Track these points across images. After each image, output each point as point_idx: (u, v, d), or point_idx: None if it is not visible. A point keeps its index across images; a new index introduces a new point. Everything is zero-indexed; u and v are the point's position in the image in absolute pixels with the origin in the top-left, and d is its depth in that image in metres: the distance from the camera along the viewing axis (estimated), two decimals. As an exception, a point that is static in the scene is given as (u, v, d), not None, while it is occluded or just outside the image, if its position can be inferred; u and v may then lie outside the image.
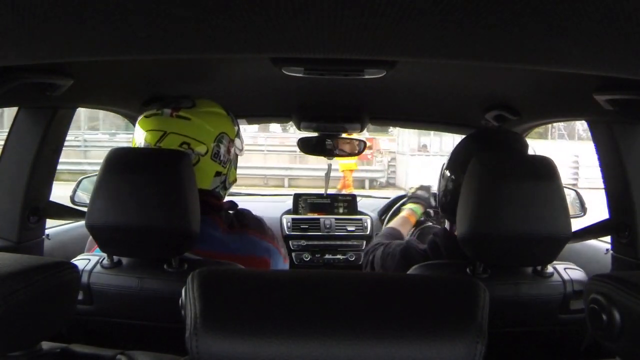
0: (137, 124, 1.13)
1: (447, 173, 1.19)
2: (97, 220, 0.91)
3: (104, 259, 1.00)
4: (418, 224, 1.81)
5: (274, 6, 0.46)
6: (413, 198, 1.86)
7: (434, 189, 1.83)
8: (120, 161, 0.93)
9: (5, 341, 0.63)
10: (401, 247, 1.22)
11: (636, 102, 0.94)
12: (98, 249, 1.07)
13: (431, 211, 1.86)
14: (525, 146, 1.16)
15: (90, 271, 0.98)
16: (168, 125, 1.07)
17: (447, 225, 1.27)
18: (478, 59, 0.68)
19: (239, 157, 1.24)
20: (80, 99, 1.26)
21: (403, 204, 1.91)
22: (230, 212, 1.17)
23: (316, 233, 2.16)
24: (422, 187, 1.91)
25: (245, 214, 1.18)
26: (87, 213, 0.92)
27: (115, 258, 1.00)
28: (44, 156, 1.26)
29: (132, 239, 0.93)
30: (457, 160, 1.17)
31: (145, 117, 1.11)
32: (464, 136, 1.25)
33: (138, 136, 1.10)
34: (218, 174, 1.13)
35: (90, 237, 1.14)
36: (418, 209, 1.80)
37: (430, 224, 1.84)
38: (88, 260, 1.01)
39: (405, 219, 1.74)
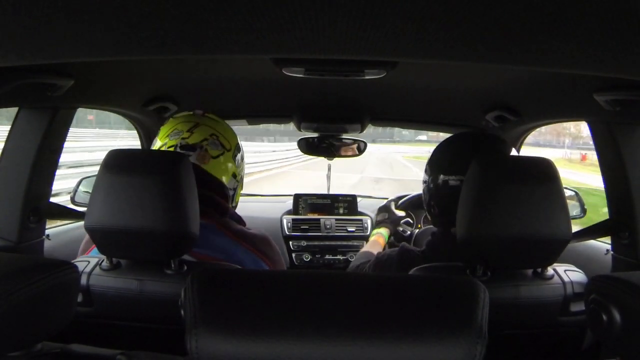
0: (163, 127, 1.18)
1: (428, 171, 1.21)
2: (95, 222, 0.91)
3: (103, 260, 1.00)
4: (404, 238, 1.85)
5: (274, 7, 0.46)
6: (376, 225, 1.92)
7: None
8: (119, 163, 0.93)
9: (5, 341, 0.63)
10: (397, 252, 1.22)
11: (636, 102, 0.94)
12: (93, 251, 1.07)
13: (405, 224, 1.90)
14: (509, 149, 1.17)
15: (90, 273, 0.98)
16: (199, 119, 1.16)
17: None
18: (478, 60, 0.68)
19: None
20: (81, 99, 1.26)
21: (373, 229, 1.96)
22: (238, 225, 1.17)
23: (316, 233, 2.16)
24: (379, 211, 1.97)
25: (256, 235, 1.17)
26: (86, 215, 0.92)
27: (114, 260, 1.00)
28: (45, 156, 1.26)
29: (131, 241, 0.93)
30: (437, 160, 1.19)
31: (175, 117, 1.19)
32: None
33: (167, 130, 1.15)
34: (234, 175, 1.19)
35: (84, 240, 1.14)
36: (385, 232, 1.85)
37: (417, 230, 1.87)
38: (87, 262, 1.00)
39: (374, 241, 1.79)
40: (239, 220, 1.18)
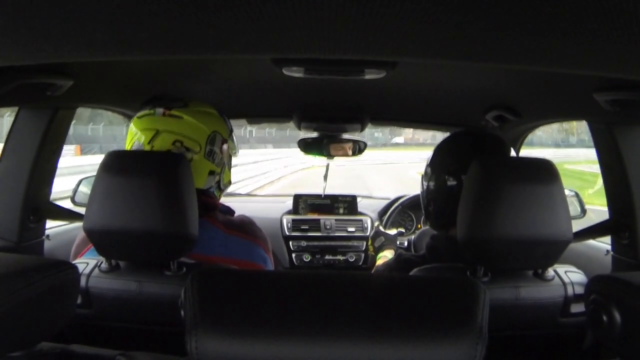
0: (131, 125, 1.12)
1: (429, 172, 1.20)
2: (94, 223, 0.91)
3: (101, 262, 0.99)
4: (405, 248, 1.85)
5: (274, 7, 0.46)
6: (378, 251, 1.89)
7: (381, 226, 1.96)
8: (118, 164, 0.93)
9: (5, 341, 0.63)
10: (394, 259, 1.22)
11: (636, 103, 0.94)
12: (87, 253, 1.07)
13: (400, 234, 1.90)
14: (508, 150, 1.17)
15: (89, 275, 0.98)
16: (160, 124, 1.08)
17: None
18: (478, 60, 0.68)
19: (232, 158, 1.23)
20: (81, 99, 1.26)
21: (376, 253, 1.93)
22: (228, 215, 1.16)
23: (316, 234, 2.16)
24: (373, 239, 1.92)
25: (242, 220, 1.17)
26: (85, 216, 0.92)
27: (113, 261, 0.99)
28: (45, 156, 1.26)
29: (130, 242, 0.92)
30: (439, 161, 1.18)
31: (138, 117, 1.11)
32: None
33: (131, 137, 1.10)
34: (212, 173, 1.13)
35: (76, 243, 1.14)
36: (389, 253, 1.84)
37: (413, 236, 1.88)
38: (86, 264, 1.00)
39: (384, 257, 1.78)
40: (228, 211, 1.18)
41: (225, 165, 1.17)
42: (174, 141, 1.06)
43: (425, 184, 1.21)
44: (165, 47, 0.62)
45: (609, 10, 0.42)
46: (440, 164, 1.17)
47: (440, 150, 1.20)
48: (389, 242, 1.86)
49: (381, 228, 1.89)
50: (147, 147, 1.06)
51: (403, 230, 1.94)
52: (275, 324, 0.49)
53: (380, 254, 1.85)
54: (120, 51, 0.65)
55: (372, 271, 1.74)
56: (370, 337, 0.49)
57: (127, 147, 1.10)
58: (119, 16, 0.49)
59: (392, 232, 1.89)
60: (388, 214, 2.22)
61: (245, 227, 1.14)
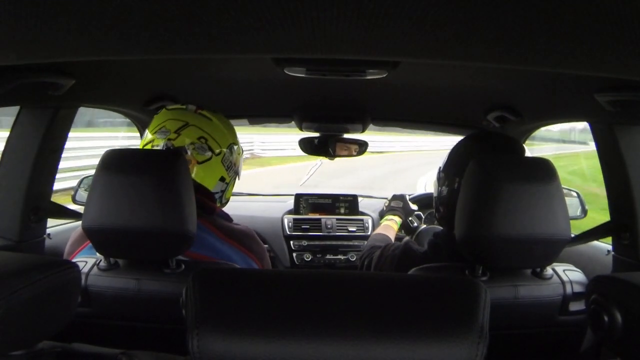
0: (155, 117, 1.15)
1: (442, 177, 1.19)
2: (93, 222, 0.91)
3: (100, 260, 1.00)
4: (410, 230, 1.86)
5: (276, 7, 0.46)
6: (389, 211, 1.92)
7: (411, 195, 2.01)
8: (116, 162, 0.93)
9: (6, 340, 0.63)
10: (400, 249, 1.22)
11: (637, 103, 0.94)
12: (82, 252, 1.07)
13: (415, 217, 1.90)
14: (522, 150, 1.16)
15: (88, 273, 0.98)
16: (190, 118, 1.12)
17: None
18: (480, 60, 0.68)
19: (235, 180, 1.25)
20: (82, 99, 1.26)
21: (382, 216, 1.97)
22: (225, 222, 1.17)
23: (317, 233, 2.16)
24: (394, 198, 1.99)
25: (243, 231, 1.17)
26: (84, 215, 0.92)
27: (112, 260, 1.00)
28: (46, 156, 1.26)
29: (129, 240, 0.93)
30: (453, 164, 1.17)
31: (168, 109, 1.15)
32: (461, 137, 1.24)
33: (154, 126, 1.12)
34: (222, 179, 1.16)
35: (70, 242, 1.14)
36: (398, 220, 1.86)
37: (424, 226, 1.88)
38: (85, 263, 1.00)
39: (388, 226, 1.80)
40: (226, 217, 1.18)
41: (233, 178, 1.20)
42: (199, 136, 1.10)
43: (438, 188, 1.21)
44: (166, 47, 0.62)
45: (610, 11, 0.42)
46: (453, 167, 1.16)
47: (453, 154, 1.20)
48: (404, 212, 1.89)
49: (408, 197, 1.94)
50: (173, 135, 1.09)
51: (422, 215, 1.94)
52: (276, 323, 0.49)
53: (389, 216, 1.86)
54: (121, 51, 0.65)
55: (374, 232, 1.76)
56: (371, 337, 0.49)
57: (150, 132, 1.12)
58: (120, 16, 0.49)
59: (414, 206, 1.92)
60: (419, 192, 2.24)
61: (243, 240, 1.14)
